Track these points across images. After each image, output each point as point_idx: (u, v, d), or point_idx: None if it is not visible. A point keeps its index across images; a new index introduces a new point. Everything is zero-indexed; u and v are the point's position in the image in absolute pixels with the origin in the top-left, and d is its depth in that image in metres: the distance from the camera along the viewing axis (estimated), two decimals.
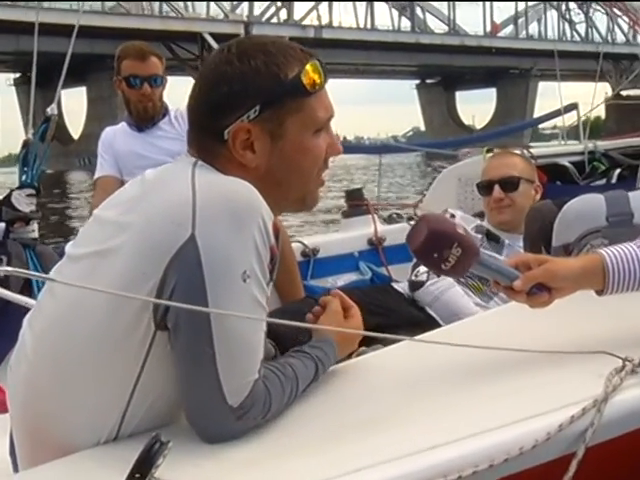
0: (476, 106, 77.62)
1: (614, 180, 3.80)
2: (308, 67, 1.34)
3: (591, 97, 5.56)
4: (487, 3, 57.58)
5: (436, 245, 1.42)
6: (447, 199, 3.82)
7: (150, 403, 1.29)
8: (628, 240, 2.22)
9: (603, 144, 3.95)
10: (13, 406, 1.36)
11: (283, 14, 49.94)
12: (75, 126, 47.64)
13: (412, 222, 3.79)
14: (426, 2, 55.20)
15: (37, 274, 1.19)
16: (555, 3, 58.22)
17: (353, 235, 3.69)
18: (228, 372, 1.22)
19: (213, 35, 43.42)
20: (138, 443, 1.13)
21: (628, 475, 1.35)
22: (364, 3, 52.57)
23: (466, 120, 68.41)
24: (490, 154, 3.68)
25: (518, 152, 3.30)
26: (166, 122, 3.52)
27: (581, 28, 59.04)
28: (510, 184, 2.94)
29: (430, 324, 2.81)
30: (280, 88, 1.33)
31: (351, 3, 52.85)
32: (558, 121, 6.31)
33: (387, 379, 1.50)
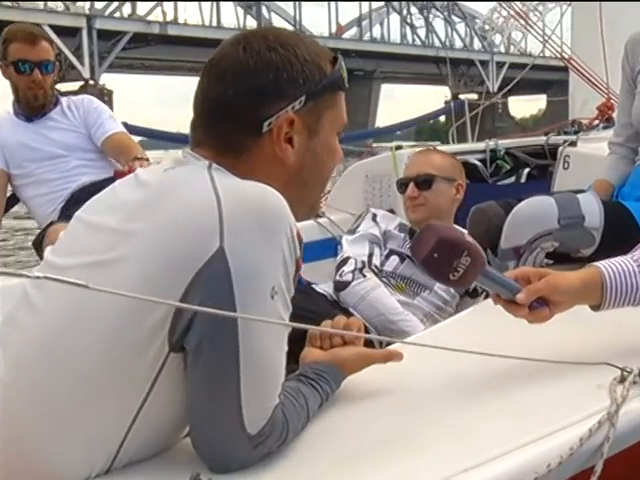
0: None
1: (523, 179, 3.85)
2: (338, 62, 1.27)
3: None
4: (332, 4, 58.52)
5: (445, 254, 1.34)
6: (354, 196, 3.75)
7: (151, 431, 1.13)
8: (579, 242, 2.23)
9: (503, 142, 4.00)
10: None
11: (127, 8, 48.79)
12: None
13: (320, 219, 3.70)
14: (272, 2, 55.43)
15: (34, 275, 0.97)
16: (397, 7, 59.94)
17: None
18: (251, 398, 1.10)
19: (53, 27, 41.79)
20: (134, 476, 1.04)
21: None
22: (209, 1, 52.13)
23: None
24: (398, 151, 3.66)
25: (437, 149, 3.24)
26: (58, 112, 3.28)
27: (422, 33, 61.14)
28: (424, 182, 2.88)
29: None
30: (324, 79, 1.24)
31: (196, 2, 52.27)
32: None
33: (384, 392, 1.40)
